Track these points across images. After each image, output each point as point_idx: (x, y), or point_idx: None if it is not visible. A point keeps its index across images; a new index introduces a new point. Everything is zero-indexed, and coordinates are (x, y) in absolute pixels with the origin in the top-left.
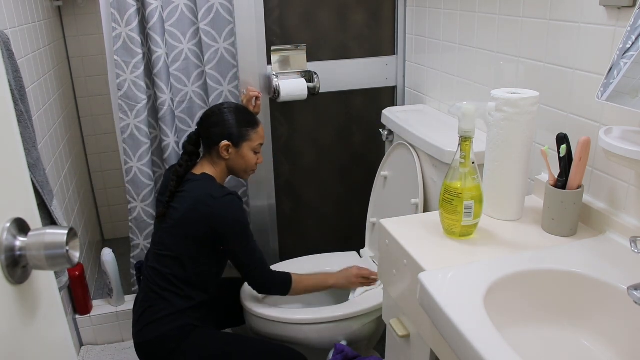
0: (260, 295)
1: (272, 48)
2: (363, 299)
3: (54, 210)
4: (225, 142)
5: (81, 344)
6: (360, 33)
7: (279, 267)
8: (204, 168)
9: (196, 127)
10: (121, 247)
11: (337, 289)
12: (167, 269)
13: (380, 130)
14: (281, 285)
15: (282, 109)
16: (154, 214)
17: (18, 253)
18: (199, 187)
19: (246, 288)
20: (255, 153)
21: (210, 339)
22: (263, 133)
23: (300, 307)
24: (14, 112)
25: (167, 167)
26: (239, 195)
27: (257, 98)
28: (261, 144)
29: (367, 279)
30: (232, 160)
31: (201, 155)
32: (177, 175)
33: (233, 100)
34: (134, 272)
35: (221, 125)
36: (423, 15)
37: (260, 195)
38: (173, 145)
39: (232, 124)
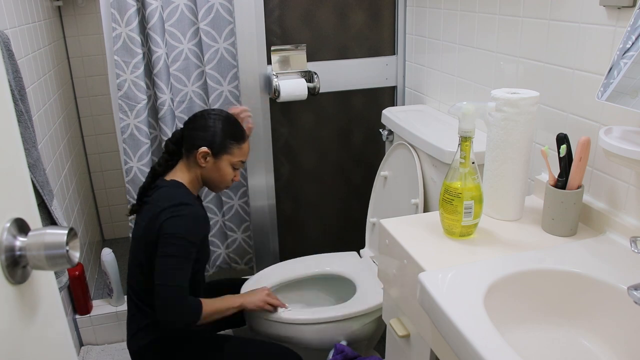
0: None
1: (272, 48)
2: (363, 299)
3: (54, 210)
4: (204, 149)
5: (81, 344)
6: (360, 33)
7: (279, 267)
8: (177, 173)
9: (182, 126)
10: (121, 247)
11: (248, 310)
12: (138, 285)
13: (380, 130)
14: (194, 309)
15: (282, 109)
16: None
17: (18, 253)
18: (162, 195)
19: (246, 288)
20: (234, 169)
21: (201, 343)
22: (247, 150)
23: (300, 307)
24: (14, 112)
25: None
26: (201, 207)
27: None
28: (242, 162)
29: (271, 306)
30: (207, 170)
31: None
32: (154, 173)
33: (233, 100)
34: None
35: (205, 131)
36: (423, 15)
37: (260, 195)
38: None
39: (217, 132)
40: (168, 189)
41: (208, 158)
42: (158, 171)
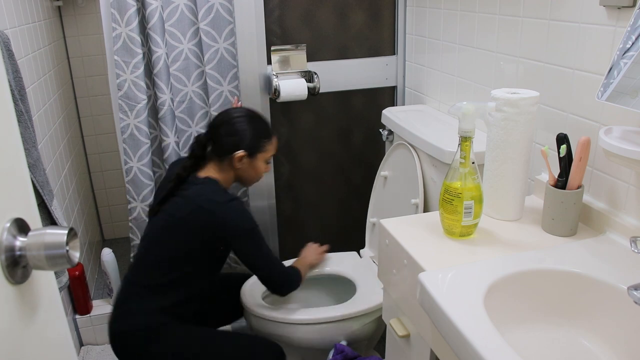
0: (260, 295)
1: (272, 48)
2: (363, 299)
3: (54, 210)
4: (240, 153)
5: (81, 344)
6: (360, 33)
7: None
8: (209, 172)
9: (207, 132)
10: (121, 247)
11: (314, 266)
12: (149, 272)
13: (380, 130)
14: (296, 281)
15: (282, 109)
16: None
17: (18, 253)
18: (201, 192)
19: (246, 288)
20: (267, 163)
21: (184, 335)
22: (276, 143)
23: (300, 307)
24: (14, 112)
25: (167, 167)
26: (240, 198)
27: None
28: (275, 155)
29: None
30: (243, 170)
31: (207, 158)
32: (179, 178)
33: (231, 99)
34: None
35: (237, 136)
36: (423, 15)
37: (260, 195)
38: (173, 145)
39: (249, 135)
40: (207, 186)
41: (244, 160)
42: (182, 175)
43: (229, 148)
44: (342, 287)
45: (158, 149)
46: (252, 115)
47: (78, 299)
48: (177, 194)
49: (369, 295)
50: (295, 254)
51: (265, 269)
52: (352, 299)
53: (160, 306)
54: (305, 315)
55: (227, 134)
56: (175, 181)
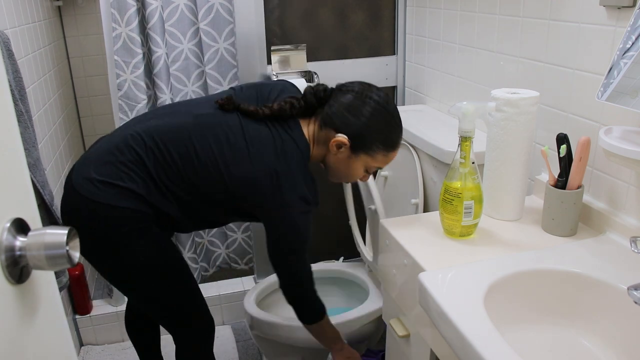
0: (261, 295)
1: (272, 48)
2: (374, 304)
3: (56, 210)
4: (342, 138)
5: (81, 344)
6: (360, 33)
7: None
8: (307, 131)
9: (332, 89)
10: None
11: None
12: (158, 161)
13: None
14: (316, 309)
15: None
16: None
17: (18, 253)
18: (289, 154)
19: (248, 293)
20: (365, 171)
21: (160, 247)
22: (392, 159)
23: None
24: (14, 112)
25: None
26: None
27: None
28: (379, 169)
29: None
30: (336, 159)
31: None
32: (280, 109)
33: None
34: None
35: (356, 117)
36: (423, 15)
37: None
38: None
39: (369, 128)
40: (298, 149)
41: (343, 149)
42: (285, 111)
43: (336, 122)
44: (350, 288)
45: None
46: (390, 115)
47: (78, 299)
48: (267, 122)
49: (379, 301)
50: None
51: (287, 277)
52: (364, 304)
53: (142, 195)
54: None
55: (346, 107)
56: (276, 111)
